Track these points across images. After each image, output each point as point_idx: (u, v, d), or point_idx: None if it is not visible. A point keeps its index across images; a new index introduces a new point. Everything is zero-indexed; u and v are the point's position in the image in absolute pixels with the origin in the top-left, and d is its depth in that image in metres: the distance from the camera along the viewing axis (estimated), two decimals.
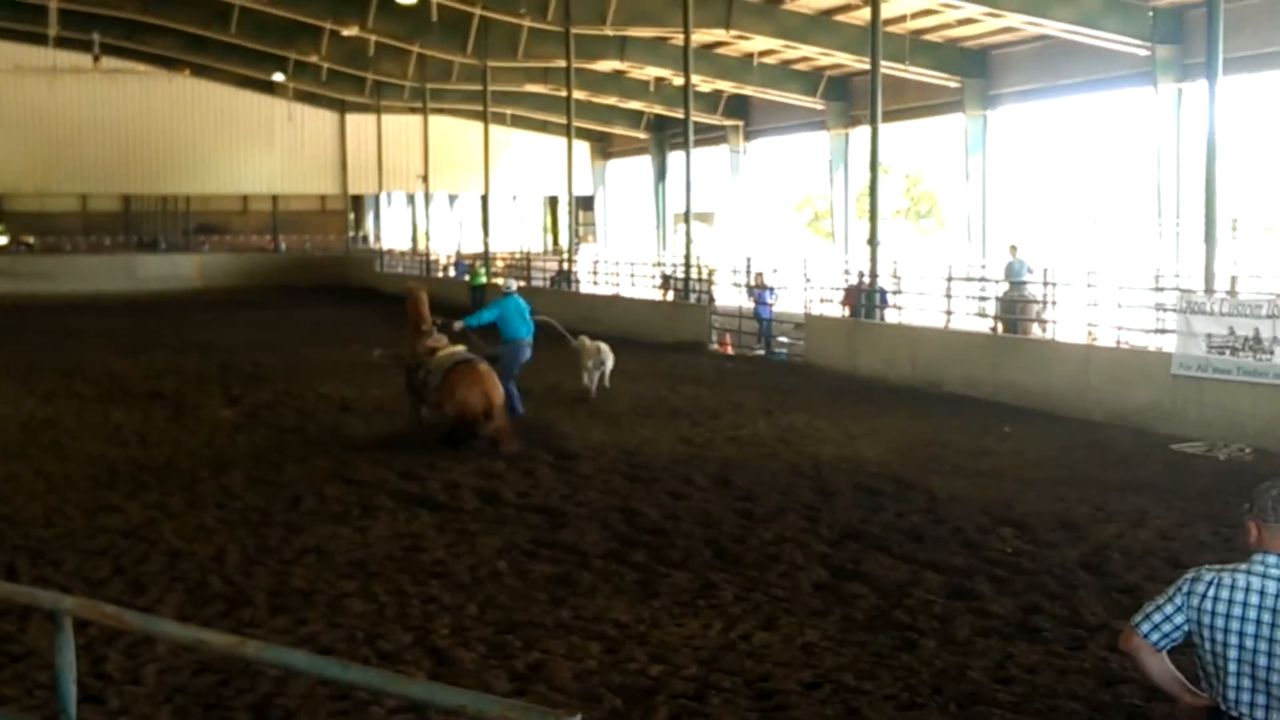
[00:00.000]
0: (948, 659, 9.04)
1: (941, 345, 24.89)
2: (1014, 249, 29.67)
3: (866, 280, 28.24)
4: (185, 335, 35.20)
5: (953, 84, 41.20)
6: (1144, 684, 7.19)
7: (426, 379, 17.38)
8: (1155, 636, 4.93)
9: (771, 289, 31.97)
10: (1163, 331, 22.22)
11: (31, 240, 71.34)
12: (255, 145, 68.11)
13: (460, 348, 17.95)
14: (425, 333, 18.31)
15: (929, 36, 39.76)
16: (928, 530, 12.76)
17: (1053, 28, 34.69)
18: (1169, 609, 4.92)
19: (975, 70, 40.83)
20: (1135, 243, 35.92)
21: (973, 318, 27.02)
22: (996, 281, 30.02)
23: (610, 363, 23.43)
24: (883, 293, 28.27)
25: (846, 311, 29.15)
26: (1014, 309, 26.24)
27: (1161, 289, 26.57)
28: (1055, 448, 17.80)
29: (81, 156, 65.57)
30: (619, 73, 53.40)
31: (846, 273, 29.20)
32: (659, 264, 46.53)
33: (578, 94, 46.87)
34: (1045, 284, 26.98)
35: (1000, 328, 25.62)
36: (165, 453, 17.34)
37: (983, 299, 27.94)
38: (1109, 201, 38.17)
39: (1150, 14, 33.29)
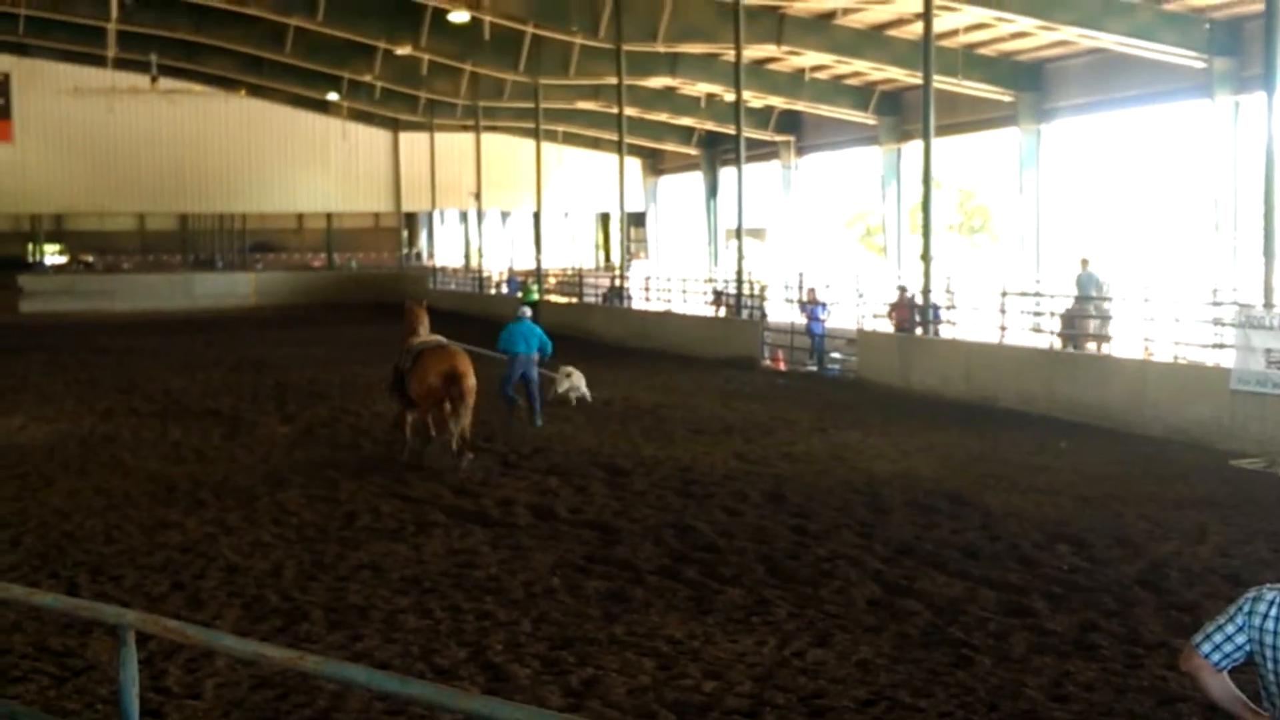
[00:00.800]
0: (1003, 676, 8.99)
1: (996, 361, 24.74)
2: (1085, 262, 29.33)
3: (919, 296, 28.12)
4: (241, 353, 35.48)
5: (1006, 98, 41.03)
6: (1204, 703, 7.12)
7: (402, 366, 17.63)
8: (1216, 657, 4.89)
9: (824, 305, 31.91)
10: (1221, 346, 22.01)
11: (90, 259, 72.24)
12: (310, 164, 68.68)
13: (438, 337, 18.12)
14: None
15: (982, 50, 39.62)
16: (983, 547, 12.69)
17: (1107, 41, 34.47)
18: (1230, 629, 4.88)
19: (1029, 84, 40.64)
20: (1192, 257, 35.59)
21: (1027, 333, 26.83)
22: (1052, 296, 29.81)
23: (581, 385, 24.02)
24: (936, 308, 28.14)
25: (897, 326, 29.01)
26: (1079, 324, 25.94)
27: (1220, 304, 26.30)
28: (1112, 463, 17.65)
29: (139, 176, 66.33)
30: (670, 89, 53.49)
31: (901, 288, 29.04)
32: (711, 280, 46.52)
33: (629, 110, 46.96)
34: (1103, 299, 26.77)
35: (1059, 342, 25.41)
36: (222, 469, 17.49)
37: (1037, 314, 27.75)
38: (1165, 216, 37.84)
39: (1206, 26, 33.00)
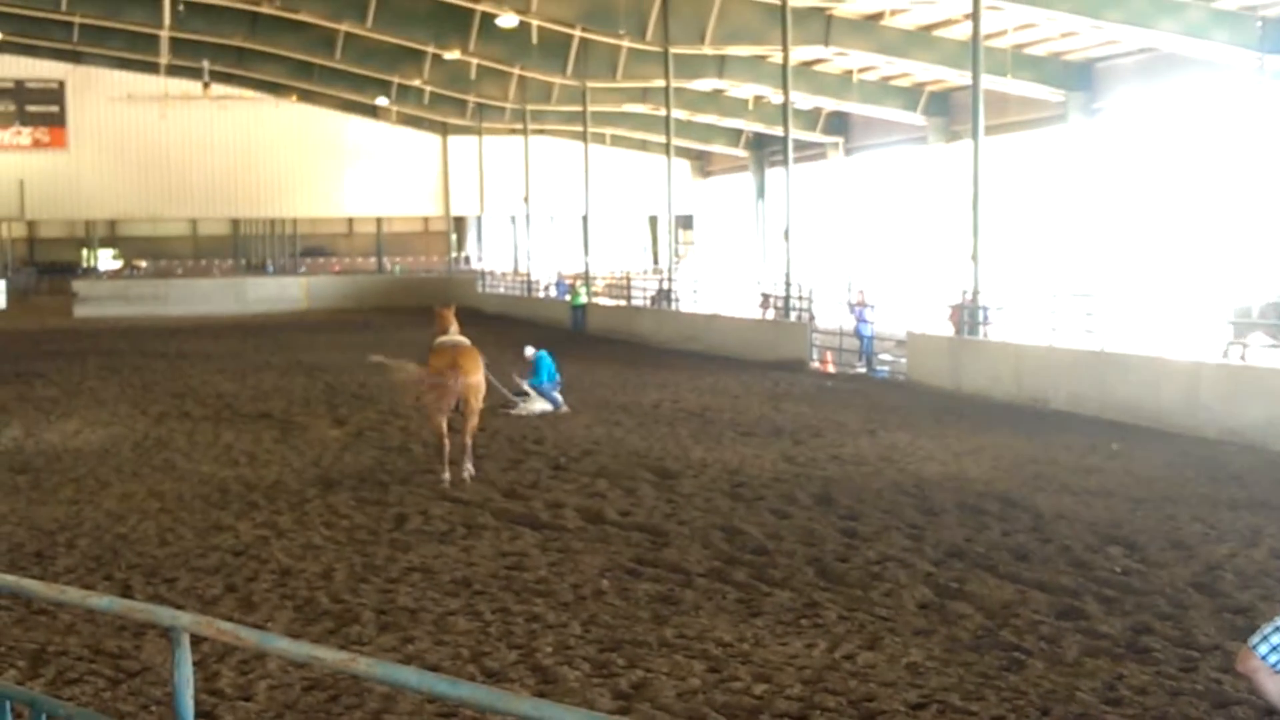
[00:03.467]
0: (1056, 680, 8.94)
1: (1047, 362, 24.58)
2: None
3: (970, 297, 27.98)
4: (292, 357, 35.70)
5: (1056, 97, 40.80)
6: (1261, 706, 7.05)
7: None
8: (1274, 658, 4.86)
9: (871, 306, 31.81)
10: (1277, 347, 21.80)
11: (144, 264, 72.94)
12: (360, 168, 69.11)
13: (457, 336, 17.72)
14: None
15: (1031, 50, 39.41)
16: (1034, 549, 12.62)
17: (1158, 39, 34.21)
18: None
19: (1079, 83, 40.40)
20: (1247, 258, 35.26)
21: (1079, 333, 26.64)
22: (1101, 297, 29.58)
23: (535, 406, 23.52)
24: (985, 309, 28.00)
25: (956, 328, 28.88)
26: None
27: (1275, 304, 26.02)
28: (1165, 465, 17.51)
29: (192, 182, 66.97)
30: (718, 91, 53.48)
31: (963, 291, 28.89)
32: (759, 282, 46.46)
33: (677, 113, 47.02)
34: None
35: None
36: (274, 472, 17.61)
37: (1089, 315, 27.57)
38: (1217, 213, 37.49)
39: (1259, 24, 32.70)
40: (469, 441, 16.86)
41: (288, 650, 5.32)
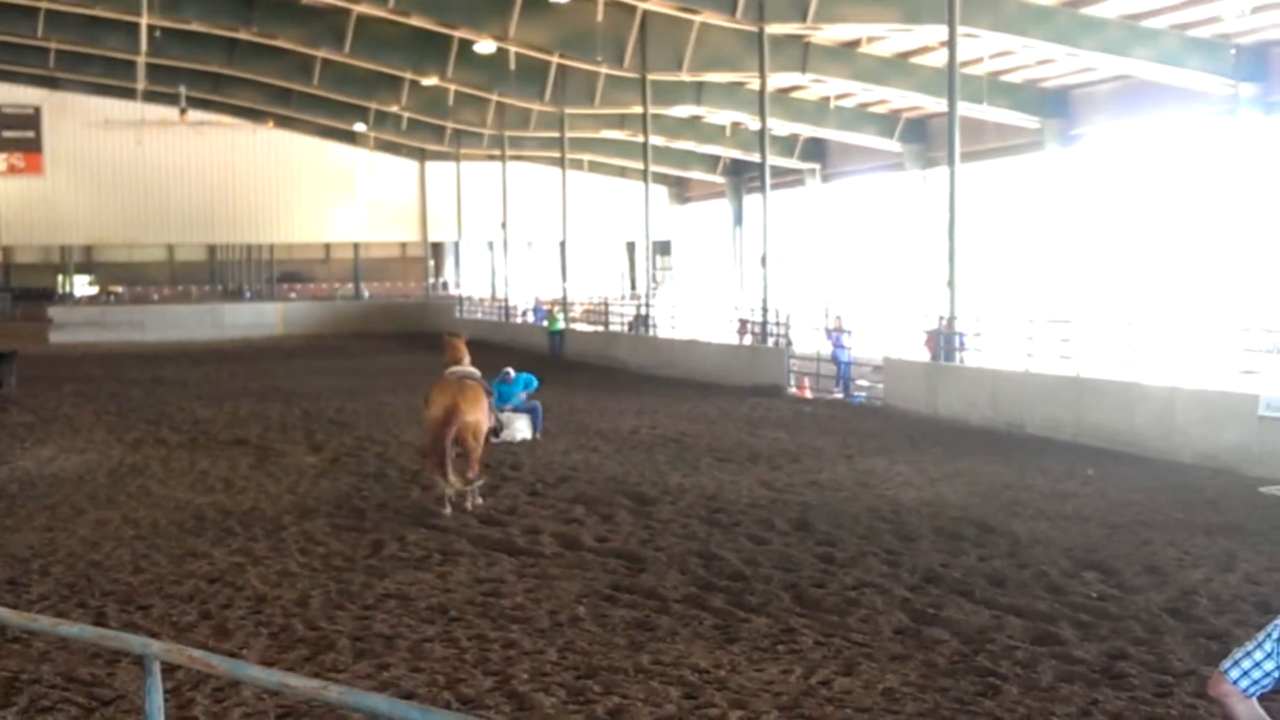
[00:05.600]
0: (1031, 705, 8.95)
1: (1023, 387, 24.67)
2: None
3: (946, 322, 28.08)
4: (269, 383, 35.63)
5: (1032, 124, 41.03)
6: None
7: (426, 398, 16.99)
8: (1245, 683, 4.85)
9: (849, 332, 31.89)
10: (1249, 373, 21.90)
11: (120, 290, 72.66)
12: (337, 194, 69.08)
13: (467, 369, 17.28)
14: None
15: (1007, 77, 39.62)
16: (1010, 574, 12.64)
17: (1132, 66, 34.44)
18: (1259, 655, 4.84)
19: (1055, 110, 40.64)
20: (1221, 282, 35.47)
21: (1054, 359, 26.74)
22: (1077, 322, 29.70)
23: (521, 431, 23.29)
24: (961, 335, 28.10)
25: (932, 355, 28.96)
26: None
27: (1248, 330, 26.17)
28: (1140, 490, 17.58)
29: (168, 207, 66.81)
30: (695, 118, 53.60)
31: (940, 316, 28.94)
32: (736, 308, 46.54)
33: (654, 139, 47.13)
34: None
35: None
36: (250, 499, 17.55)
37: (1065, 340, 27.67)
38: (1192, 239, 37.71)
39: (1232, 51, 32.97)
40: (470, 477, 16.43)
41: (259, 678, 5.31)
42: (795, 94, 46.82)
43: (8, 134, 64.85)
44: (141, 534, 15.20)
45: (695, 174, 64.45)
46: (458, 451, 16.31)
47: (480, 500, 16.62)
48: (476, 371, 17.30)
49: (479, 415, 16.41)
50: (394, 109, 56.13)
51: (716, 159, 61.34)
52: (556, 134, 50.96)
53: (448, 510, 16.09)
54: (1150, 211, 39.46)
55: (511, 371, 24.21)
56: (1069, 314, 34.33)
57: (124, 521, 15.97)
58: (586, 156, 63.07)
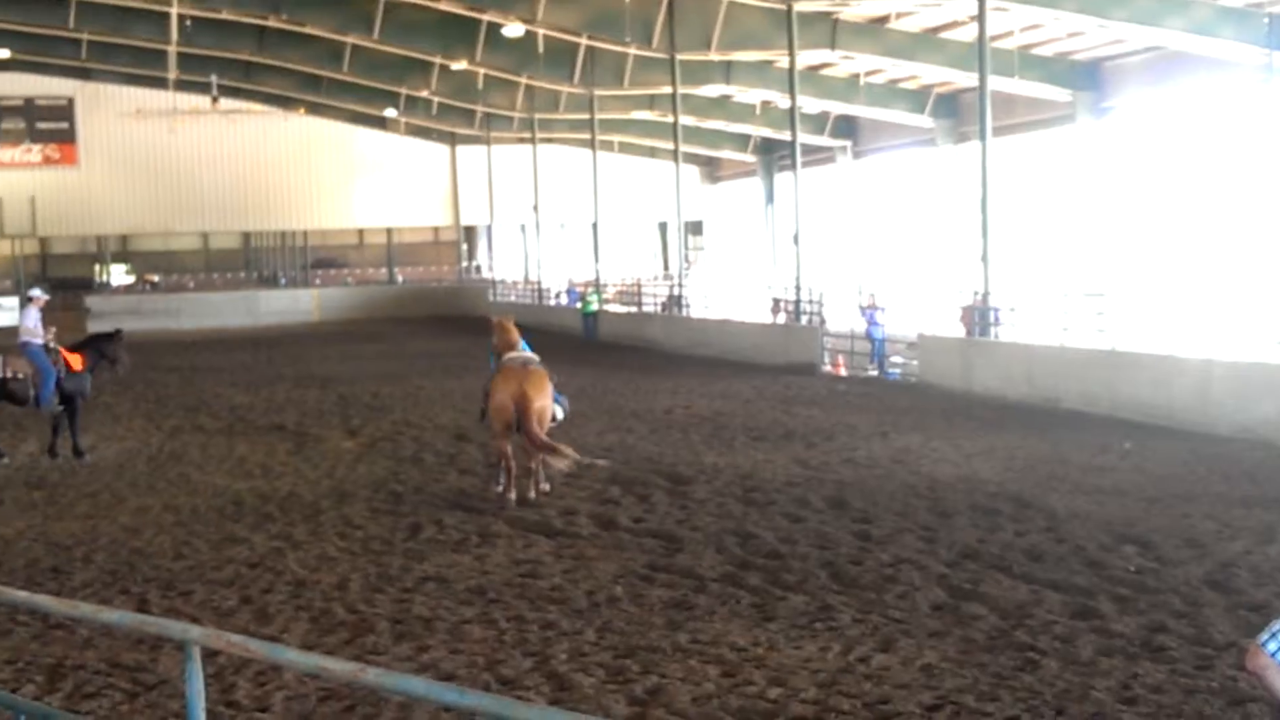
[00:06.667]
0: (1070, 679, 8.94)
1: (1058, 362, 24.57)
2: None
3: (980, 298, 27.98)
4: (305, 368, 35.79)
5: (1064, 97, 40.76)
6: (1271, 703, 7.04)
7: (487, 386, 16.53)
8: None
9: (882, 309, 31.81)
10: None
11: (156, 278, 73.08)
12: (369, 180, 69.25)
13: (527, 354, 16.80)
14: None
15: (1038, 50, 39.37)
16: (1048, 549, 12.61)
17: (1165, 37, 34.17)
18: None
19: (1086, 83, 40.35)
20: (1256, 253, 35.21)
21: (1090, 333, 26.62)
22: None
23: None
24: (995, 310, 27.99)
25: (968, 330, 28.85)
26: None
27: None
28: (1178, 463, 17.50)
29: (202, 195, 67.13)
30: (725, 97, 53.48)
31: (974, 292, 28.81)
32: (769, 287, 46.48)
33: (684, 119, 47.03)
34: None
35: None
36: (288, 484, 17.65)
37: (1100, 314, 27.54)
38: (1227, 210, 37.41)
39: (1266, 20, 32.65)
40: (536, 465, 16.15)
41: (297, 662, 5.36)
42: (825, 71, 46.64)
43: (42, 125, 65.24)
44: (182, 520, 15.31)
45: (726, 153, 64.31)
46: (524, 440, 15.77)
47: (547, 487, 16.22)
48: (535, 356, 16.78)
49: (546, 401, 15.93)
50: (424, 94, 56.19)
51: (747, 138, 61.20)
52: (586, 116, 50.92)
53: (512, 495, 15.70)
54: (1184, 183, 39.16)
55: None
56: (1104, 287, 34.16)
57: (164, 508, 16.09)
58: (617, 138, 63.01)
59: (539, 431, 15.51)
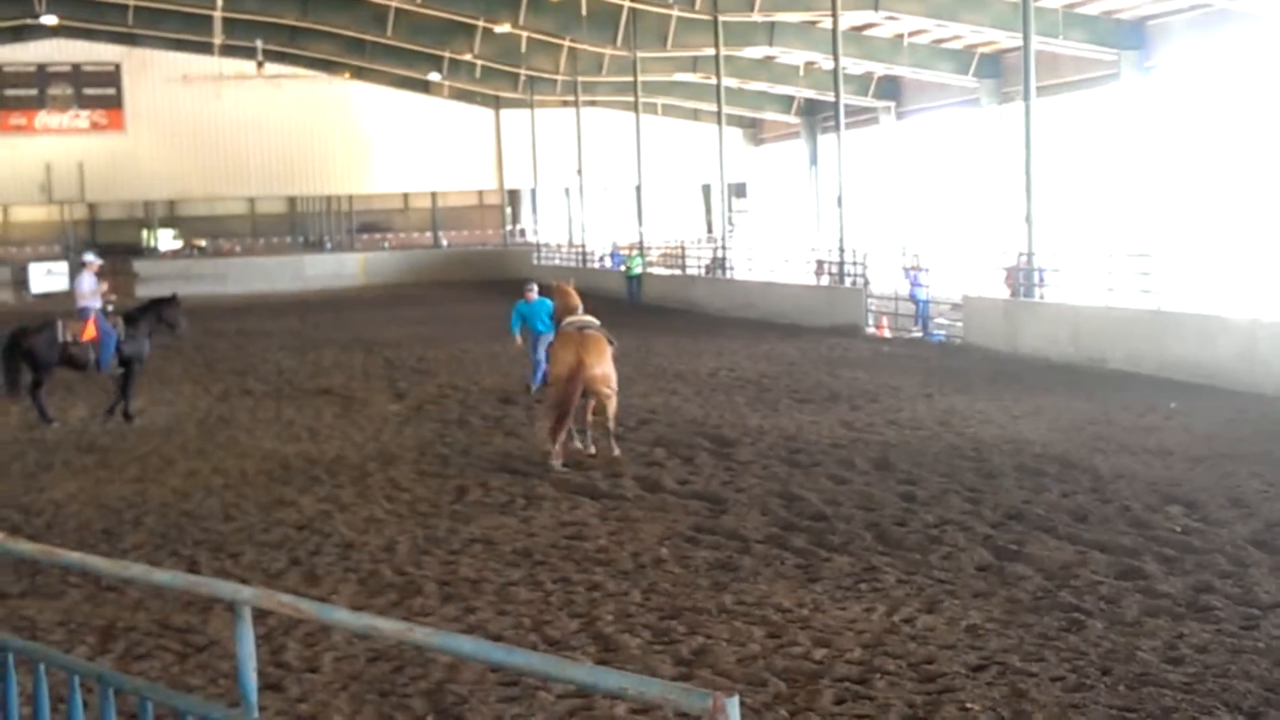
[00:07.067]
0: (1116, 640, 8.94)
1: (1104, 322, 24.44)
2: None
3: (1025, 259, 27.82)
4: (351, 332, 35.98)
5: (1109, 56, 40.33)
6: None
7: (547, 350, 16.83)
8: None
9: (926, 270, 31.68)
10: None
11: (203, 243, 73.47)
12: (414, 144, 69.32)
13: (586, 318, 16.88)
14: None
15: (1082, 9, 38.96)
16: (1093, 510, 12.59)
17: None
18: None
19: (1131, 41, 39.88)
20: None
21: (1135, 293, 26.43)
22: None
23: None
24: (1040, 271, 27.83)
25: (1008, 292, 28.71)
26: None
27: None
28: (1223, 423, 17.41)
29: (248, 161, 67.44)
30: (768, 58, 53.19)
31: (1019, 253, 28.64)
32: (813, 249, 46.34)
33: (727, 81, 46.80)
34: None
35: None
36: (335, 447, 17.79)
37: (1145, 274, 27.34)
38: (1274, 168, 36.95)
39: None
40: (611, 427, 16.26)
41: (346, 622, 5.42)
42: (868, 32, 46.29)
43: (89, 91, 65.58)
44: (230, 483, 15.48)
45: (769, 115, 64.00)
46: (591, 404, 16.01)
47: (618, 452, 16.11)
48: (594, 320, 16.81)
49: (605, 367, 15.90)
50: (467, 57, 56.17)
51: (790, 99, 60.86)
52: (629, 78, 50.75)
53: (556, 462, 15.67)
54: (1229, 141, 38.71)
55: (536, 289, 22.54)
56: (1149, 247, 33.88)
57: (213, 471, 16.27)
58: (660, 100, 62.79)
59: (602, 395, 15.82)
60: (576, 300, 17.55)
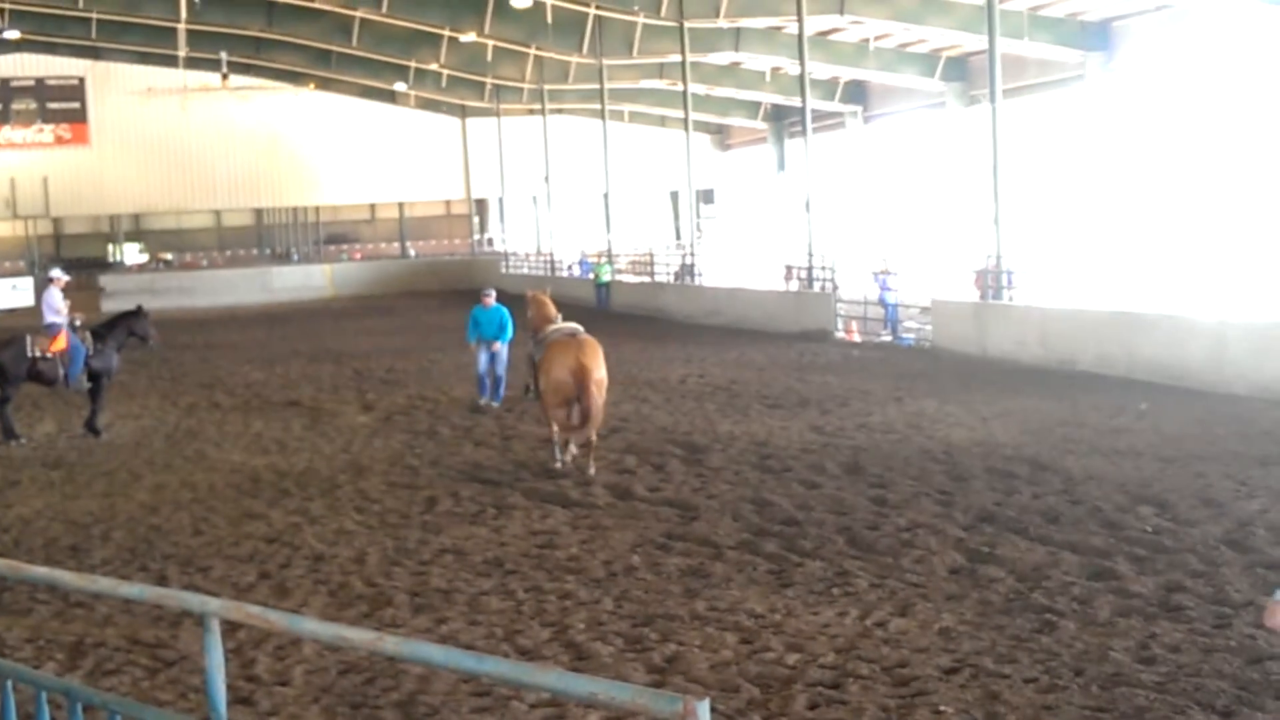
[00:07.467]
0: (1089, 640, 8.95)
1: (1073, 324, 24.51)
2: None
3: (993, 261, 27.90)
4: (319, 344, 35.85)
5: (1075, 58, 40.53)
6: None
7: (535, 356, 16.60)
8: None
9: (895, 274, 31.75)
10: None
11: (169, 257, 73.19)
12: (380, 154, 69.23)
13: (572, 324, 16.86)
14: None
15: (1047, 11, 39.16)
16: (1064, 511, 12.61)
17: None
18: None
19: (1097, 43, 40.09)
20: (1269, 211, 35.02)
21: (1104, 295, 26.54)
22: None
23: None
24: (1009, 273, 27.91)
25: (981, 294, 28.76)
26: None
27: None
28: (1194, 423, 17.46)
29: (214, 173, 67.29)
30: (735, 64, 53.31)
31: (987, 255, 28.75)
32: (782, 254, 46.40)
33: (694, 87, 46.86)
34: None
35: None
36: (305, 460, 17.70)
37: (1114, 276, 27.46)
38: (1240, 168, 37.19)
39: None
40: (593, 440, 15.97)
41: (315, 632, 5.39)
42: (834, 36, 46.42)
43: (53, 105, 65.34)
44: (199, 497, 15.38)
45: (736, 121, 64.16)
46: (577, 411, 15.51)
47: (593, 471, 15.68)
48: (579, 327, 16.75)
49: (602, 371, 15.87)
50: (433, 66, 56.15)
51: (757, 105, 61.02)
52: (596, 86, 50.80)
53: (559, 464, 15.84)
54: (1195, 141, 38.93)
55: (494, 295, 22.56)
56: (1117, 249, 34.04)
57: (181, 485, 16.16)
58: (627, 107, 62.88)
59: (597, 404, 15.52)
60: (553, 309, 17.50)
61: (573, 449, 16.30)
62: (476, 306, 22.21)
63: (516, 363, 22.61)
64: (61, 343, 19.82)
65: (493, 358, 21.73)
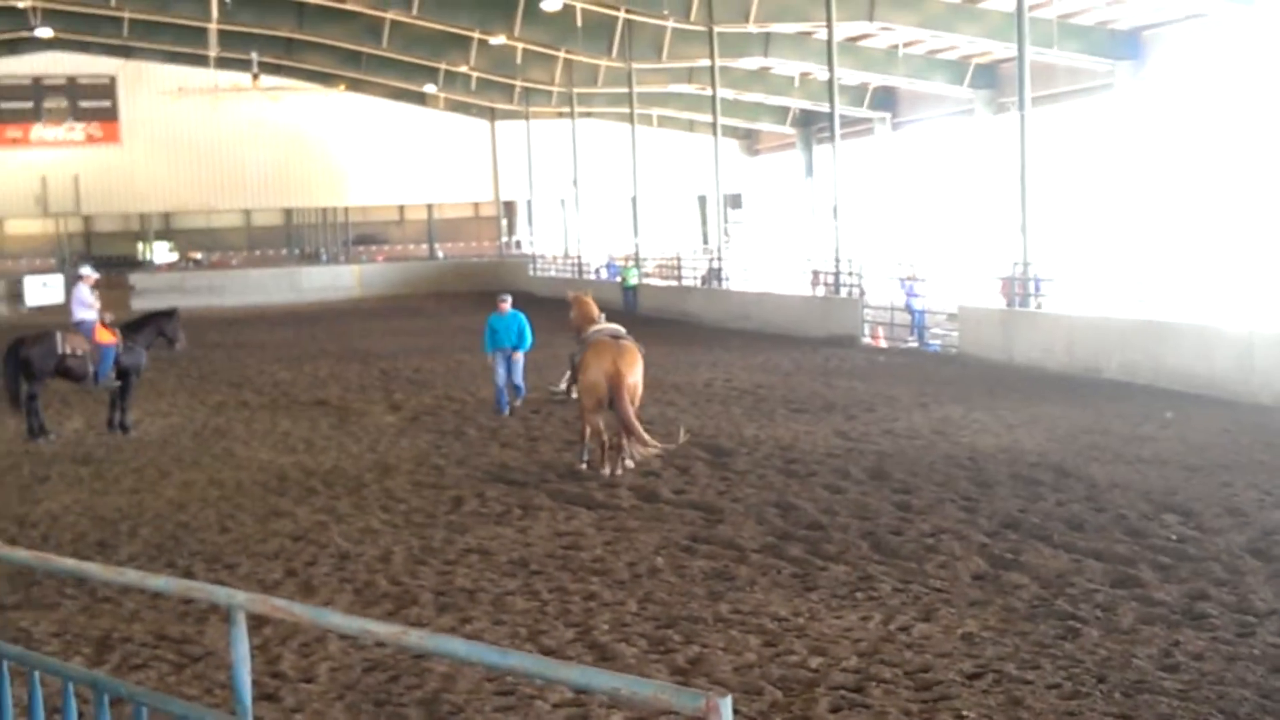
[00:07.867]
0: (1112, 648, 8.94)
1: (1099, 332, 24.43)
2: None
3: (1021, 268, 27.85)
4: (347, 344, 35.96)
5: (1104, 66, 40.41)
6: None
7: (574, 356, 16.62)
8: None
9: (922, 280, 31.71)
10: None
11: (199, 256, 73.50)
12: (410, 156, 69.39)
13: (614, 325, 16.88)
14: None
15: (1077, 19, 39.05)
16: (1089, 518, 12.60)
17: (1206, 3, 33.78)
18: None
19: (1126, 52, 39.96)
20: None
21: (1131, 302, 26.46)
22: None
23: None
24: (1036, 281, 27.86)
25: (1004, 301, 28.73)
26: None
27: None
28: (1219, 432, 17.41)
29: (243, 173, 67.53)
30: (764, 69, 53.33)
31: (1014, 262, 28.68)
32: (809, 259, 46.36)
33: (723, 92, 46.92)
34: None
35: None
36: (332, 459, 17.79)
37: (1141, 284, 27.37)
38: (1269, 178, 37.00)
39: None
40: (647, 440, 15.57)
41: (340, 625, 5.42)
42: (863, 43, 46.42)
43: (84, 104, 65.69)
44: (226, 494, 15.47)
45: (765, 126, 64.13)
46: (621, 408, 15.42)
47: (630, 464, 15.83)
48: (621, 329, 16.74)
49: (637, 377, 15.82)
50: (463, 69, 56.27)
51: (786, 110, 60.98)
52: (625, 89, 50.86)
53: (607, 471, 15.66)
54: (1224, 151, 38.76)
55: (509, 301, 22.23)
56: (1145, 257, 33.92)
57: (209, 483, 16.26)
58: (655, 111, 62.93)
59: (630, 411, 15.34)
60: (596, 310, 17.59)
61: (628, 461, 15.93)
62: (492, 314, 21.99)
63: (537, 364, 22.58)
64: (108, 335, 19.99)
65: (511, 367, 21.54)
